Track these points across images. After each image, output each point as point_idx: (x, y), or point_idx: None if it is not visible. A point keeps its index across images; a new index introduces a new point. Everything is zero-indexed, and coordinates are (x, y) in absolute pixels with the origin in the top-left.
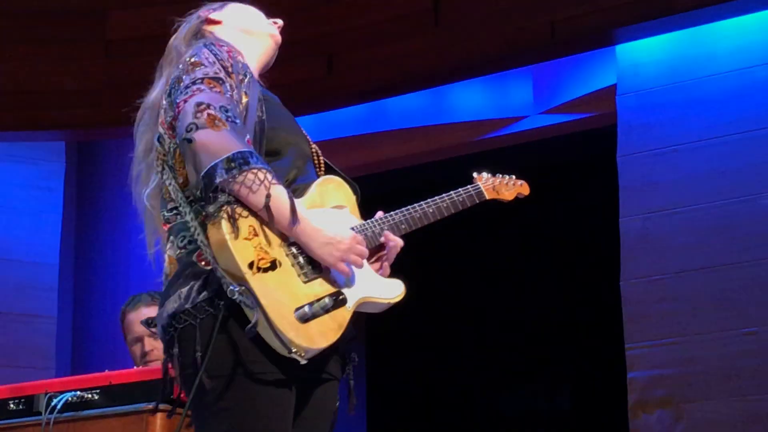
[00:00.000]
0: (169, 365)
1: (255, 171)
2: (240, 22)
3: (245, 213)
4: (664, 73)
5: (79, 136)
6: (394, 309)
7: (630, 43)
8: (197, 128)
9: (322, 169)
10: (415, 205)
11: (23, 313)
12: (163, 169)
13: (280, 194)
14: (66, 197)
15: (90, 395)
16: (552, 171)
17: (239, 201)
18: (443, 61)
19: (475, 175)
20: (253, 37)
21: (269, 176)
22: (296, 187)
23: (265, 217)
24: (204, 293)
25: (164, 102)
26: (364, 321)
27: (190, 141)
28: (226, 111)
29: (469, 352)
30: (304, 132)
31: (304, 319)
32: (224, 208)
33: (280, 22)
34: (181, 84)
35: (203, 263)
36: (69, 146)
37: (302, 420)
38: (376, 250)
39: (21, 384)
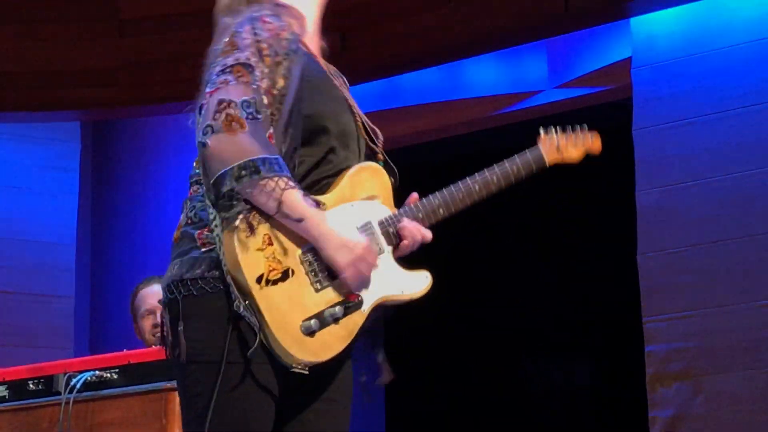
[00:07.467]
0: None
1: (266, 180)
2: None
3: (262, 220)
4: (679, 46)
5: (94, 115)
6: None
7: (645, 16)
8: (212, 132)
9: (379, 148)
10: (458, 182)
11: (41, 293)
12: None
13: (292, 201)
14: (82, 177)
15: (109, 375)
16: None
17: (256, 207)
18: (457, 36)
19: (541, 133)
20: None
21: (281, 183)
22: (327, 181)
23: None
24: (199, 270)
25: (205, 76)
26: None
27: (204, 145)
28: (248, 107)
29: (487, 328)
30: (351, 111)
31: (309, 331)
32: (240, 216)
33: None
34: (216, 68)
35: (201, 244)
36: (84, 126)
37: (319, 399)
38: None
39: (40, 364)
